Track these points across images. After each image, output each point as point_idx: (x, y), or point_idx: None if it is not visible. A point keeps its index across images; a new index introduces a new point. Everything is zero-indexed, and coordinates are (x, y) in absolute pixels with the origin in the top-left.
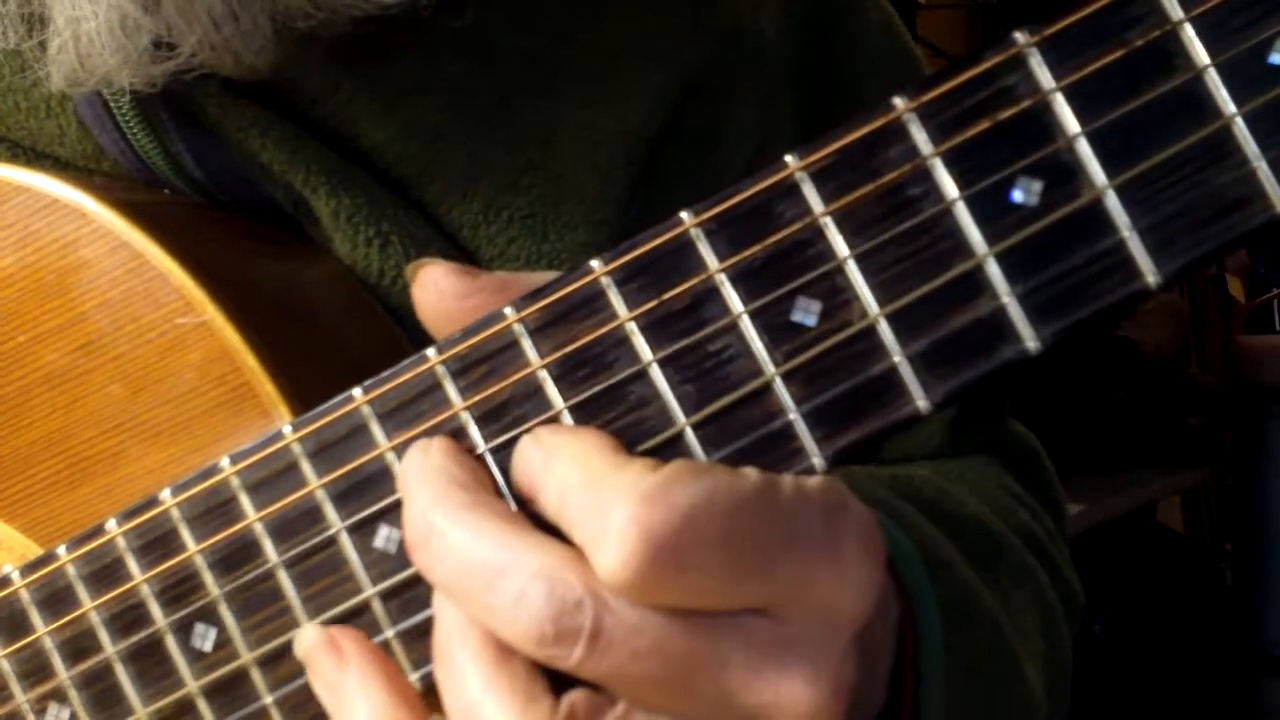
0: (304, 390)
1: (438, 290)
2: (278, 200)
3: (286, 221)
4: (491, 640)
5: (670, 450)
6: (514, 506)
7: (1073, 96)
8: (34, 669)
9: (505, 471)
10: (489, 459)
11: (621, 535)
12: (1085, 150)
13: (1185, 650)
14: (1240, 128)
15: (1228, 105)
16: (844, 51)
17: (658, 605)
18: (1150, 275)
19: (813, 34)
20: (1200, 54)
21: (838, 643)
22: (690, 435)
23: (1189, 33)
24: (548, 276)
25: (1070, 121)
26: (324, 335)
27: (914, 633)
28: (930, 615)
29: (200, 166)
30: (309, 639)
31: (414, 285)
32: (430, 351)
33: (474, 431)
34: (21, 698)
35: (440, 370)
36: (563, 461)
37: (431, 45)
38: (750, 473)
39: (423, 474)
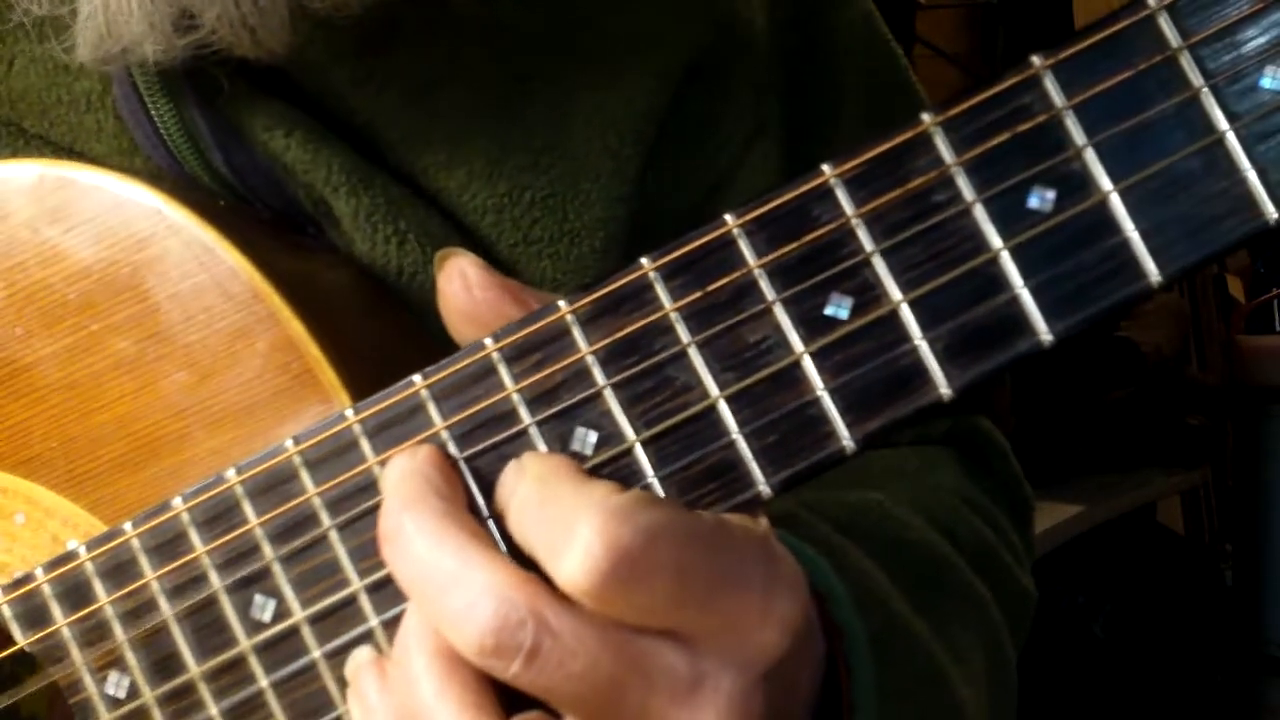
0: (357, 380)
1: (463, 278)
2: (299, 200)
3: (308, 220)
4: (446, 648)
5: (711, 432)
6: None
7: (1082, 113)
8: (96, 638)
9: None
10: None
11: (588, 546)
12: (1093, 161)
13: (1185, 650)
14: (1232, 142)
15: (1220, 123)
16: (824, 42)
17: (602, 620)
18: (1152, 275)
19: (796, 25)
20: (1196, 77)
21: (748, 679)
22: (729, 417)
23: (1187, 59)
24: (553, 298)
25: (1080, 135)
26: (365, 331)
27: (846, 666)
28: (860, 649)
29: (228, 164)
30: (360, 658)
31: (440, 273)
32: (487, 340)
33: (524, 413)
34: (83, 665)
35: (495, 357)
36: (526, 482)
37: (455, 35)
38: (704, 514)
39: (405, 475)
